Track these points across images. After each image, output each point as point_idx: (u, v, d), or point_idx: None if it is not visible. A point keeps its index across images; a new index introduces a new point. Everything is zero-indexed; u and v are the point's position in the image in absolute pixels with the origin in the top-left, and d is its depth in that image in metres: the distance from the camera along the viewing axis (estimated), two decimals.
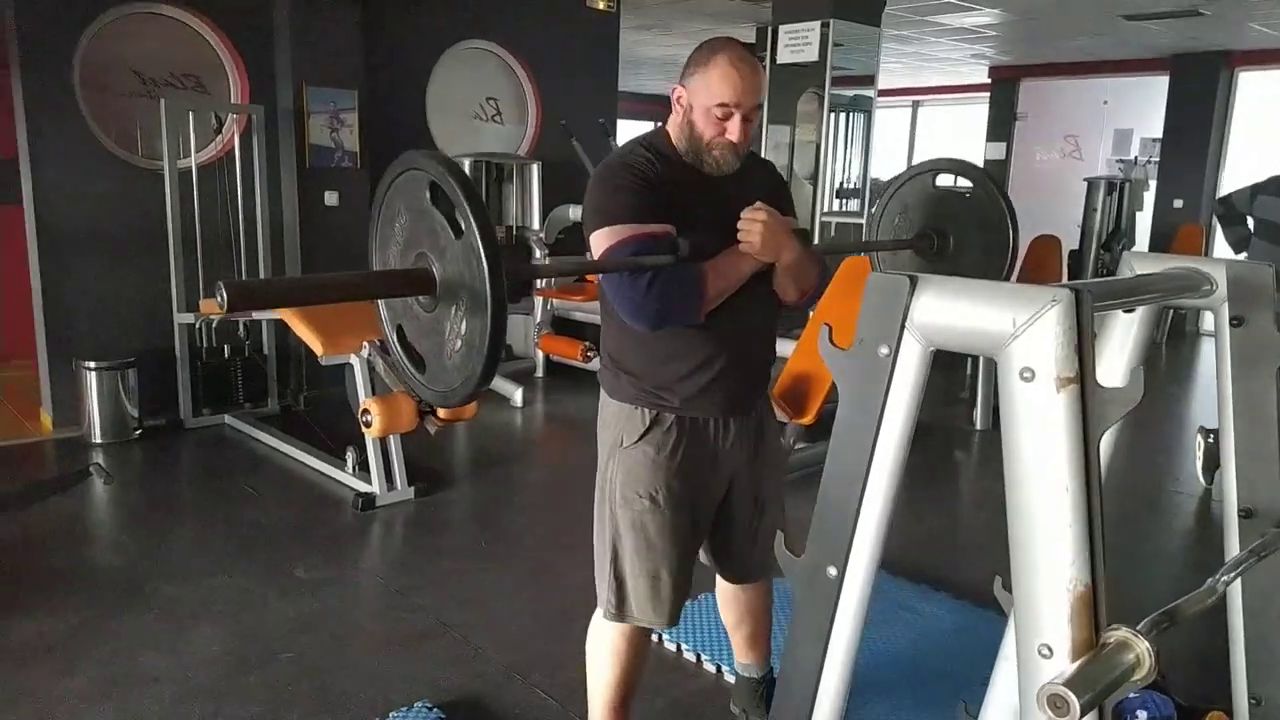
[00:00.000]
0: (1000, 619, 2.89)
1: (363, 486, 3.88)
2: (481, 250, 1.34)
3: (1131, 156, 9.37)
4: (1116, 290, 1.38)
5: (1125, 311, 1.55)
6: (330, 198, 5.42)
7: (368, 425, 3.60)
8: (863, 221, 6.44)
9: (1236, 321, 1.53)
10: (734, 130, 1.80)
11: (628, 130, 7.52)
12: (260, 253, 5.11)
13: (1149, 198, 8.68)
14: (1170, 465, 4.80)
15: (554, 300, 6.04)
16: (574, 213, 6.08)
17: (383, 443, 3.84)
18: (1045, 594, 1.07)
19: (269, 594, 3.03)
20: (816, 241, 6.47)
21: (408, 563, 3.36)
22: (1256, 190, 3.90)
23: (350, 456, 4.02)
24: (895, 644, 2.76)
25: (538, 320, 6.09)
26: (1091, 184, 8.23)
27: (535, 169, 6.12)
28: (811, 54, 5.35)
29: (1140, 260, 1.66)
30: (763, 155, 5.83)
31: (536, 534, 3.69)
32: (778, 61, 5.59)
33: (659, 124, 1.98)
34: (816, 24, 5.29)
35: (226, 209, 5.03)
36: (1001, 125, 10.46)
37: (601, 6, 6.79)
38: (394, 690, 2.49)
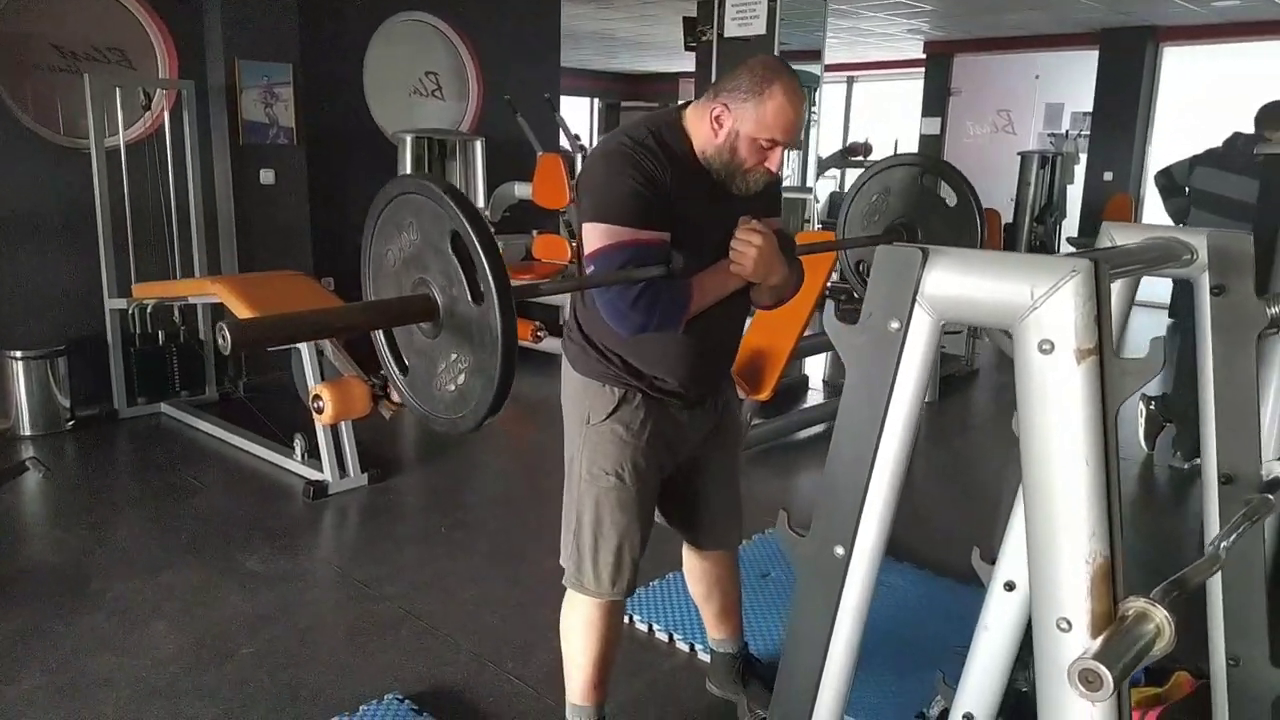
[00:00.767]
0: (964, 587, 2.95)
1: (313, 474, 3.77)
2: (500, 337, 1.28)
3: (1063, 130, 9.57)
4: (1112, 260, 1.37)
5: None
6: (266, 175, 5.23)
7: (319, 411, 3.49)
8: (808, 197, 6.46)
9: (1217, 290, 1.55)
10: (775, 161, 1.79)
11: (572, 106, 7.41)
12: (194, 233, 4.91)
13: (1080, 171, 8.88)
14: None
15: None
16: (519, 190, 5.98)
17: (333, 429, 3.73)
18: (1064, 568, 1.06)
19: (223, 588, 2.93)
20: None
21: (366, 552, 3.28)
22: (1195, 162, 4.00)
23: (299, 444, 3.90)
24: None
25: None
26: (1025, 158, 8.37)
27: (479, 146, 5.99)
28: (759, 27, 5.32)
29: (1120, 230, 1.67)
30: None
31: (497, 517, 3.63)
32: (724, 35, 5.54)
33: (673, 105, 1.92)
34: None
35: (157, 189, 4.82)
36: (936, 100, 10.58)
37: None
38: (362, 683, 2.43)
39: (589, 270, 1.76)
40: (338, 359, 3.74)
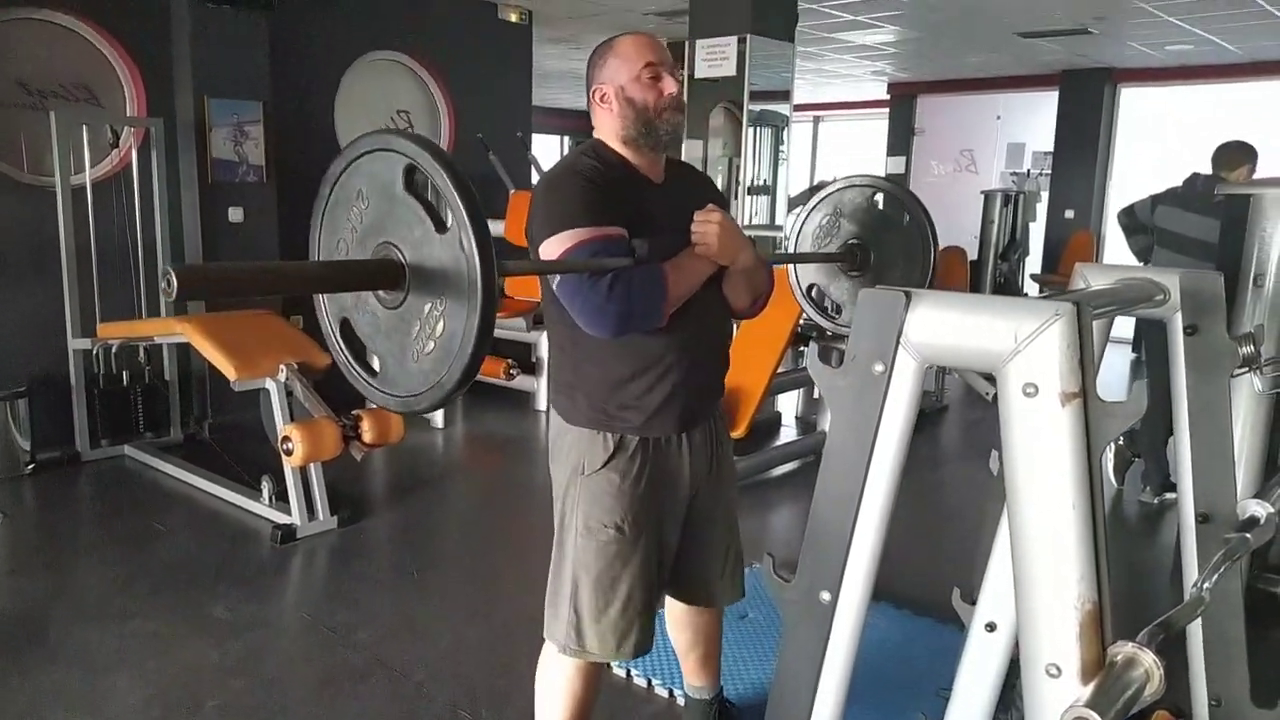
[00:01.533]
0: (944, 626, 2.95)
1: (281, 518, 3.70)
2: (474, 246, 1.21)
3: (1024, 169, 9.77)
4: (1091, 302, 1.39)
5: None
6: (235, 214, 5.18)
7: (289, 453, 3.43)
8: (778, 235, 6.52)
9: (1190, 330, 1.57)
10: (670, 84, 1.81)
11: (542, 144, 7.46)
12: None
13: (1041, 209, 9.06)
14: None
15: None
16: (492, 227, 5.96)
17: (302, 471, 3.67)
18: (1052, 613, 1.06)
19: (189, 637, 2.85)
20: None
21: (337, 597, 3.21)
22: (1157, 201, 4.09)
23: (266, 486, 3.83)
24: None
25: None
26: (988, 196, 8.53)
27: None
28: (729, 69, 5.38)
29: (1094, 272, 1.69)
30: None
31: (470, 560, 3.58)
32: (695, 76, 5.60)
33: (582, 141, 1.95)
34: (734, 39, 5.33)
35: (124, 227, 4.76)
36: (901, 140, 10.77)
37: (514, 19, 6.72)
38: None
39: (554, 286, 1.72)
40: (308, 400, 3.69)
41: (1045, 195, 9.15)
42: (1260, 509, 1.54)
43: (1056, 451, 1.04)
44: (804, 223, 2.75)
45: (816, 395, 5.50)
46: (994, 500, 1.89)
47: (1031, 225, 8.83)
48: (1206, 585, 1.26)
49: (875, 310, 1.16)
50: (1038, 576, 1.07)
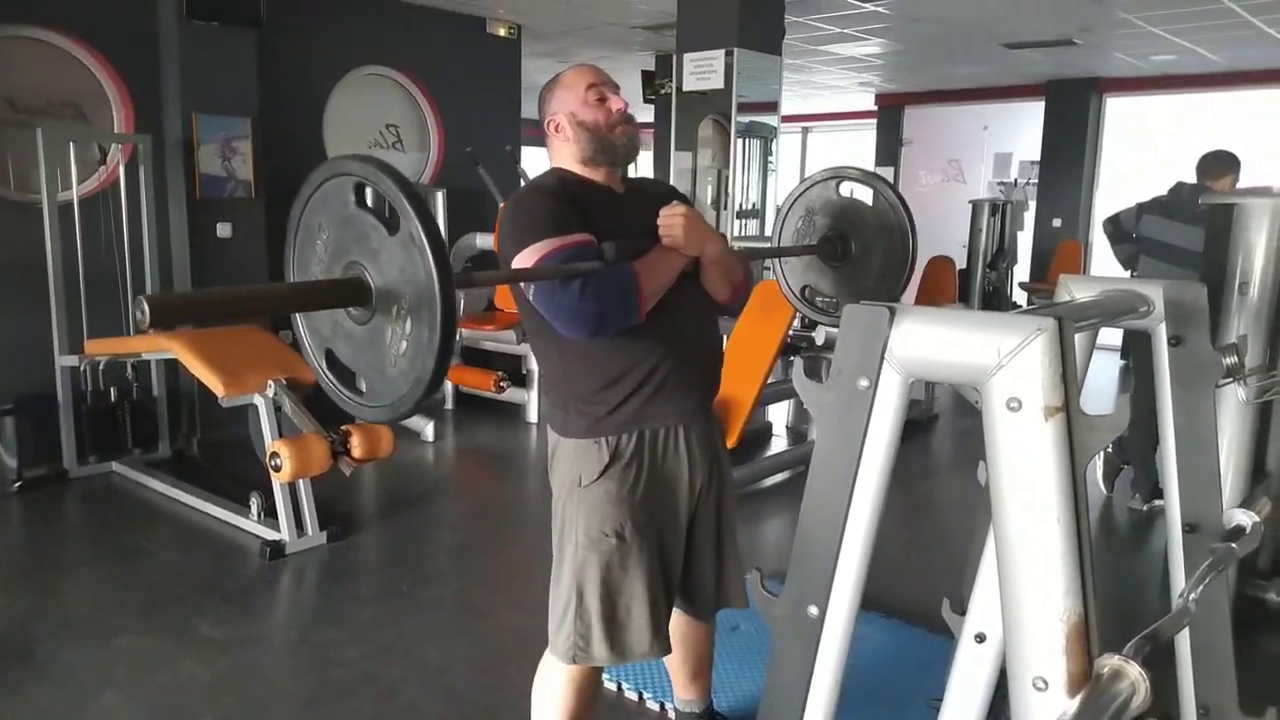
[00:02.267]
0: (934, 636, 2.95)
1: (270, 534, 3.68)
2: (423, 236, 1.26)
3: (1011, 179, 9.82)
4: (1074, 315, 1.40)
5: None
6: (223, 229, 5.18)
7: (277, 469, 3.41)
8: (769, 244, 6.54)
9: (1175, 341, 1.58)
10: (616, 101, 1.91)
11: (532, 156, 7.47)
12: (149, 288, 4.83)
13: (1029, 217, 9.11)
14: None
15: (463, 330, 5.91)
16: (481, 241, 5.98)
17: (291, 487, 3.65)
18: (1038, 626, 1.06)
19: (177, 655, 2.83)
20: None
21: (326, 613, 3.19)
22: (1142, 210, 4.12)
23: (255, 502, 3.81)
24: None
25: None
26: (976, 206, 8.58)
27: (440, 197, 5.99)
28: (717, 81, 5.41)
29: (1078, 284, 1.70)
30: (670, 181, 5.85)
31: (461, 575, 3.56)
32: (683, 89, 5.63)
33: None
34: (721, 52, 5.35)
35: (112, 243, 4.74)
36: (888, 150, 10.83)
37: (502, 33, 6.74)
38: None
39: (529, 294, 1.75)
40: (297, 416, 3.67)
41: (1033, 204, 9.20)
42: (1246, 518, 1.56)
43: (1040, 465, 1.04)
44: (783, 228, 2.76)
45: (806, 406, 5.51)
46: (982, 512, 1.90)
47: (1019, 234, 8.88)
48: (1193, 596, 1.27)
49: (859, 326, 1.17)
50: (1023, 589, 1.07)
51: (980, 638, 1.88)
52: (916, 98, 10.40)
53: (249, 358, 3.90)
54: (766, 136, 7.08)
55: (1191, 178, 4.09)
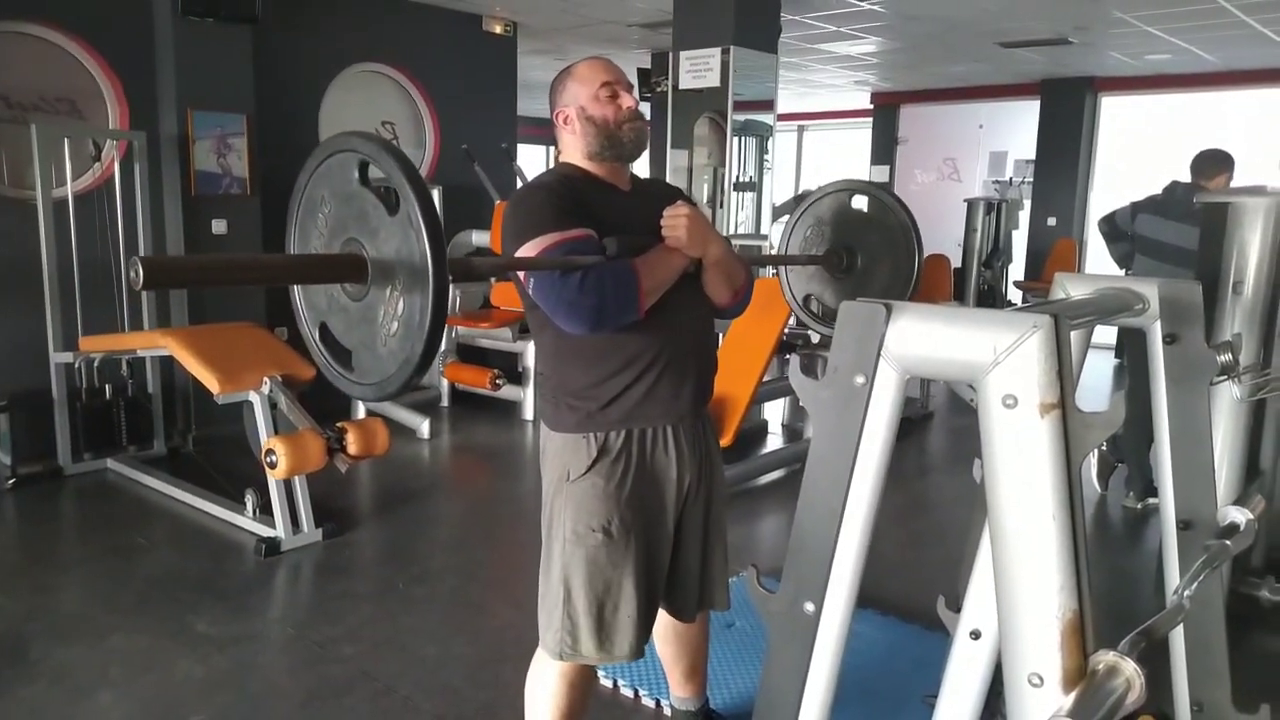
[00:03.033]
0: (929, 633, 2.95)
1: (266, 531, 3.68)
2: (420, 219, 1.27)
3: (1006, 177, 9.84)
4: (1070, 313, 1.40)
5: None
6: (218, 226, 5.17)
7: (272, 466, 3.41)
8: (764, 244, 6.54)
9: (1170, 339, 1.59)
10: (627, 99, 1.90)
11: (528, 154, 7.47)
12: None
13: (1024, 216, 9.13)
14: None
15: (459, 327, 5.91)
16: (477, 238, 5.98)
17: (286, 483, 3.65)
18: (1033, 622, 1.06)
19: (172, 653, 2.82)
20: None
21: (322, 610, 3.19)
22: (1137, 209, 4.12)
23: (250, 499, 3.81)
24: None
25: (442, 348, 5.93)
26: (971, 205, 8.59)
27: (436, 194, 5.98)
28: (713, 79, 5.41)
29: (1073, 282, 1.70)
30: (666, 179, 5.85)
31: (457, 572, 3.56)
32: (679, 87, 5.63)
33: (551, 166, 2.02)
34: (717, 50, 5.35)
35: (106, 240, 4.73)
36: (884, 149, 10.84)
37: (498, 30, 6.74)
38: None
39: (529, 288, 1.75)
40: (292, 412, 3.67)
41: (1028, 203, 9.22)
42: (1240, 515, 1.56)
43: (1036, 462, 1.05)
44: (791, 236, 2.78)
45: (803, 403, 5.51)
46: (978, 508, 1.91)
47: (1015, 233, 8.90)
48: (1187, 593, 1.27)
49: (856, 323, 1.17)
50: (1019, 586, 1.07)
51: (975, 634, 1.88)
52: (912, 96, 10.41)
53: (244, 355, 3.90)
54: (762, 135, 7.09)
55: (1186, 177, 4.09)
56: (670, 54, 5.76)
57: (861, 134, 11.24)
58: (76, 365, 4.49)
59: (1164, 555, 1.64)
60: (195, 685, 2.65)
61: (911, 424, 5.81)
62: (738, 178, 7.04)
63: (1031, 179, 9.41)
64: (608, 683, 2.65)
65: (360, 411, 5.52)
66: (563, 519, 1.87)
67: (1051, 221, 9.15)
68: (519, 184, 6.71)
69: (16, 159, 4.55)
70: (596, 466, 1.85)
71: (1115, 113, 9.10)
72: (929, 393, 6.19)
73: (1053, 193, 9.15)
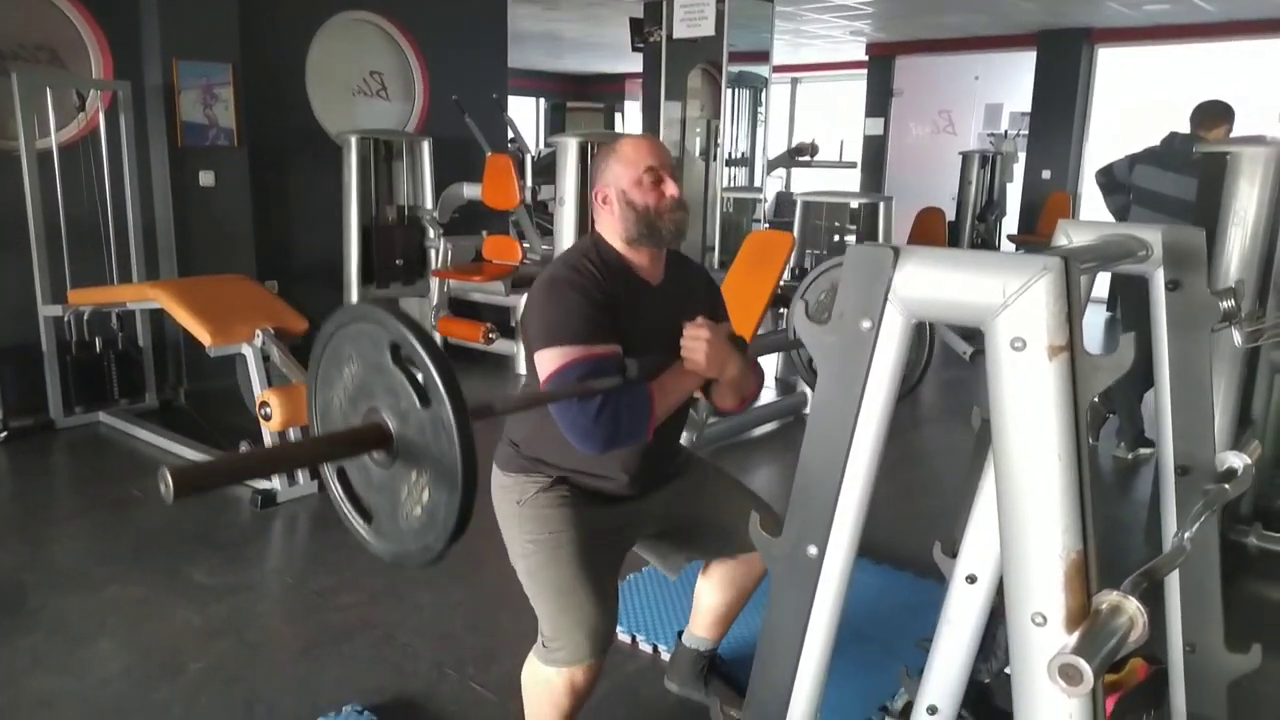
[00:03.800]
0: (922, 580, 2.99)
1: (261, 483, 3.68)
2: (454, 428, 1.26)
3: (1002, 130, 9.77)
4: (1076, 257, 1.39)
5: None
6: (205, 178, 5.10)
7: (266, 418, 3.41)
8: (759, 197, 6.51)
9: (1172, 285, 1.58)
10: (671, 187, 1.86)
11: (518, 105, 7.37)
12: (131, 238, 4.76)
13: (1019, 169, 9.08)
14: None
15: (451, 281, 5.87)
16: (468, 190, 5.92)
17: (281, 436, 3.64)
18: (1037, 562, 1.07)
19: (170, 602, 2.84)
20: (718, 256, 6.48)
21: (319, 561, 3.20)
22: (1134, 160, 4.10)
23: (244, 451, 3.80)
24: None
25: (434, 302, 5.91)
26: (966, 157, 8.54)
27: (426, 146, 5.91)
28: (708, 28, 5.33)
29: (1076, 229, 1.69)
30: (659, 132, 5.78)
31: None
32: (673, 37, 5.55)
33: (585, 238, 1.98)
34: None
35: (93, 192, 4.66)
36: (879, 101, 10.74)
37: None
38: (320, 695, 2.37)
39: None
40: (285, 365, 3.66)
41: (1023, 156, 9.17)
42: (1238, 460, 1.57)
43: (1043, 404, 1.04)
44: (807, 290, 2.74)
45: (796, 356, 5.52)
46: (976, 454, 1.92)
47: (1009, 186, 8.86)
48: (1188, 535, 1.28)
49: (863, 267, 1.16)
50: (1024, 527, 1.08)
51: (971, 579, 1.89)
52: (907, 47, 10.30)
53: (236, 307, 3.87)
54: (757, 86, 7.00)
55: (1184, 128, 4.07)
56: (664, 2, 5.67)
57: (856, 86, 11.13)
58: (66, 318, 4.45)
59: (1161, 500, 1.65)
60: (194, 634, 2.67)
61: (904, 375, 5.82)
62: (730, 155, 6.97)
63: (1027, 132, 9.35)
64: None
65: None
66: (519, 539, 1.89)
67: (1046, 175, 9.12)
68: (510, 134, 6.63)
69: None
70: (549, 490, 1.91)
71: (1112, 65, 9.02)
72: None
73: (1048, 146, 9.10)
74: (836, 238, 5.57)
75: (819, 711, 1.36)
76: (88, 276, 4.62)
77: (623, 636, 2.65)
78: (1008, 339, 1.05)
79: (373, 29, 6.14)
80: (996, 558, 1.87)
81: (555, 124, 14.02)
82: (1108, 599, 1.05)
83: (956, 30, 9.30)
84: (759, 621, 2.79)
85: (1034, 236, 8.35)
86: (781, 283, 4.50)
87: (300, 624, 2.76)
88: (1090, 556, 1.06)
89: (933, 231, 6.93)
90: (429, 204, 5.96)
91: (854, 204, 5.55)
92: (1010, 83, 9.66)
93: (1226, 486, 1.45)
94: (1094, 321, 7.73)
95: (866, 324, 1.16)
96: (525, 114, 13.45)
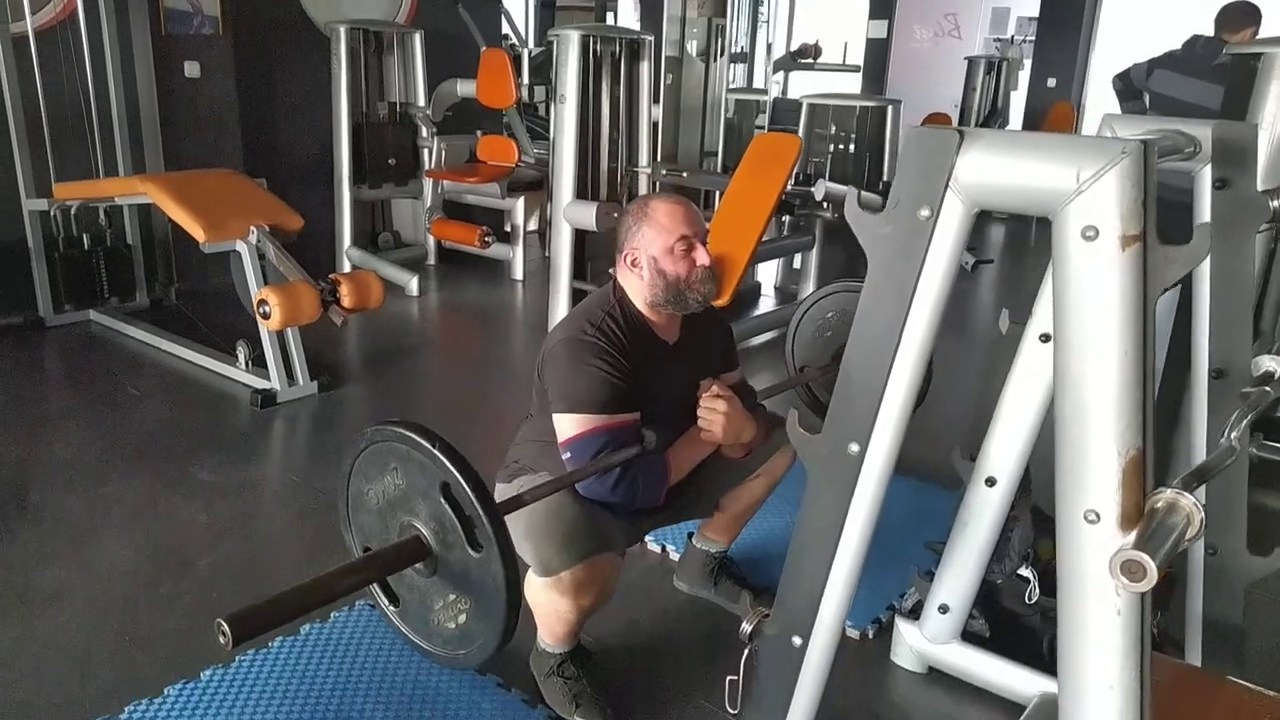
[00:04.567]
0: (925, 485, 3.00)
1: (260, 383, 3.64)
2: (504, 581, 1.27)
3: (1008, 35, 9.52)
4: None
5: None
6: (191, 68, 4.92)
7: (266, 317, 3.34)
8: (764, 99, 6.34)
9: (1220, 184, 1.54)
10: (702, 256, 1.87)
11: (507, 3, 7.08)
12: (116, 130, 4.59)
13: (1024, 77, 8.88)
14: None
15: (445, 182, 5.74)
16: (462, 88, 5.72)
17: (279, 335, 3.59)
18: (1096, 459, 1.05)
19: (174, 500, 2.82)
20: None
21: (324, 460, 3.18)
22: (1154, 65, 3.99)
23: (242, 351, 3.75)
24: None
25: (428, 204, 5.78)
26: (972, 63, 8.34)
27: (418, 40, 5.69)
28: None
29: (1121, 123, 1.63)
30: (662, 32, 5.58)
31: (453, 424, 3.55)
32: None
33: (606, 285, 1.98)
34: None
35: (75, 82, 4.47)
36: (883, 2, 10.40)
37: None
38: None
39: (564, 457, 1.79)
40: (282, 263, 3.57)
41: (1028, 63, 8.95)
42: (1274, 364, 1.54)
43: (1112, 297, 1.00)
44: (800, 324, 2.69)
45: (796, 265, 5.46)
46: (1000, 359, 1.89)
47: (1013, 93, 8.68)
48: (1235, 435, 1.26)
49: (923, 151, 1.10)
50: (1083, 423, 1.05)
51: (991, 481, 1.90)
52: None
53: (229, 203, 3.76)
54: None
55: (1207, 31, 3.95)
56: None
57: None
58: (52, 213, 4.32)
59: (1191, 404, 1.64)
60: (200, 530, 2.66)
61: None
62: (732, 50, 6.75)
63: (1033, 38, 9.11)
64: None
65: (346, 265, 5.42)
66: (518, 525, 1.74)
67: (1051, 83, 8.91)
68: (505, 27, 6.38)
69: None
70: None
71: None
72: None
73: (1055, 53, 8.86)
74: (840, 146, 5.43)
75: (849, 610, 1.36)
76: (73, 170, 4.46)
77: None
78: (1079, 228, 1.00)
79: None
80: (1018, 460, 1.87)
81: (545, 21, 13.56)
82: (1164, 496, 1.03)
83: None
84: (770, 525, 2.81)
85: None
86: (786, 190, 4.40)
87: (308, 521, 2.75)
88: (1148, 455, 1.04)
89: None
90: (421, 101, 5.77)
91: (863, 106, 5.40)
92: None
93: (1268, 389, 1.43)
94: None
95: (925, 212, 1.11)
96: (515, 11, 13.00)
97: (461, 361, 4.53)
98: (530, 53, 5.74)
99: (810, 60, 7.87)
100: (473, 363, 4.51)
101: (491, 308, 5.38)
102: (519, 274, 5.75)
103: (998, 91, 8.27)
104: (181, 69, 4.86)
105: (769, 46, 7.07)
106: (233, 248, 3.63)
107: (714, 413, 1.86)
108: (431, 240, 5.96)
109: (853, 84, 10.26)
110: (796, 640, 1.35)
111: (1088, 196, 0.99)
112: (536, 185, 6.00)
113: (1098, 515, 1.05)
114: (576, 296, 4.60)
